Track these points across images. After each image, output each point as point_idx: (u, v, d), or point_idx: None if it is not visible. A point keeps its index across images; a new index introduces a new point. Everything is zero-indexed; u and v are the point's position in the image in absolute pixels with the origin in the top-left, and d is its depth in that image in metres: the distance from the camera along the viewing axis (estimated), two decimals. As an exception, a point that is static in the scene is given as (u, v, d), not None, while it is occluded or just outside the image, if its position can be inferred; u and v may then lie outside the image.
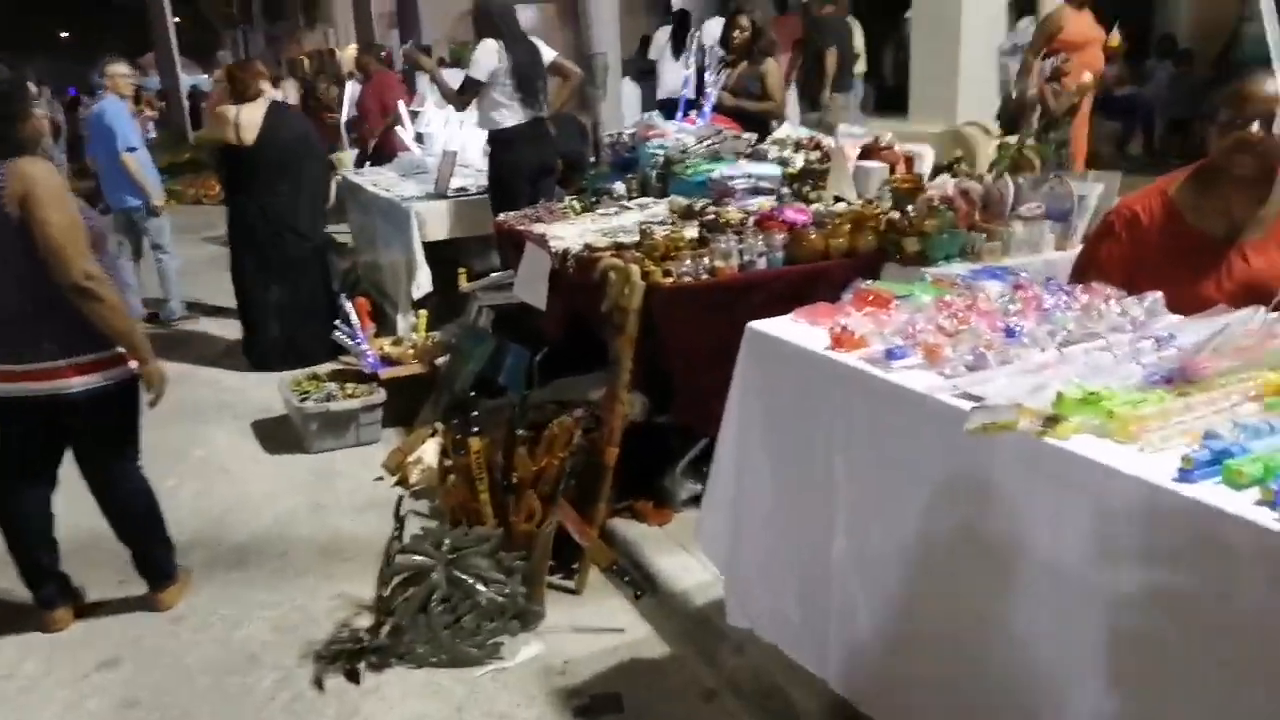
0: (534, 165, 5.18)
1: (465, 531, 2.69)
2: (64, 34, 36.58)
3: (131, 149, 6.19)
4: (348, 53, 29.32)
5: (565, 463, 2.80)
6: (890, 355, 1.95)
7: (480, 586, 2.60)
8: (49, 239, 2.47)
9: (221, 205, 5.79)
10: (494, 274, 4.80)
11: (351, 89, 8.89)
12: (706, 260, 2.91)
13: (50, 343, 2.59)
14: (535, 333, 4.37)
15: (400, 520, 2.73)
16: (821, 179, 3.93)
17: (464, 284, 4.75)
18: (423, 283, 5.37)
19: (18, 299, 2.55)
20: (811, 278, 3.00)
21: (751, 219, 3.45)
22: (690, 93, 5.15)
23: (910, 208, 3.14)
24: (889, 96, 11.23)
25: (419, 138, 7.49)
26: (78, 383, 2.62)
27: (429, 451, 3.88)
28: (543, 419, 3.93)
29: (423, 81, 7.60)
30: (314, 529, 3.49)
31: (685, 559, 2.88)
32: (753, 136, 4.75)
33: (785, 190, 3.94)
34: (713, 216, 3.32)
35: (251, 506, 3.70)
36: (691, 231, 3.44)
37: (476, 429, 2.86)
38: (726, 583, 2.50)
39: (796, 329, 2.27)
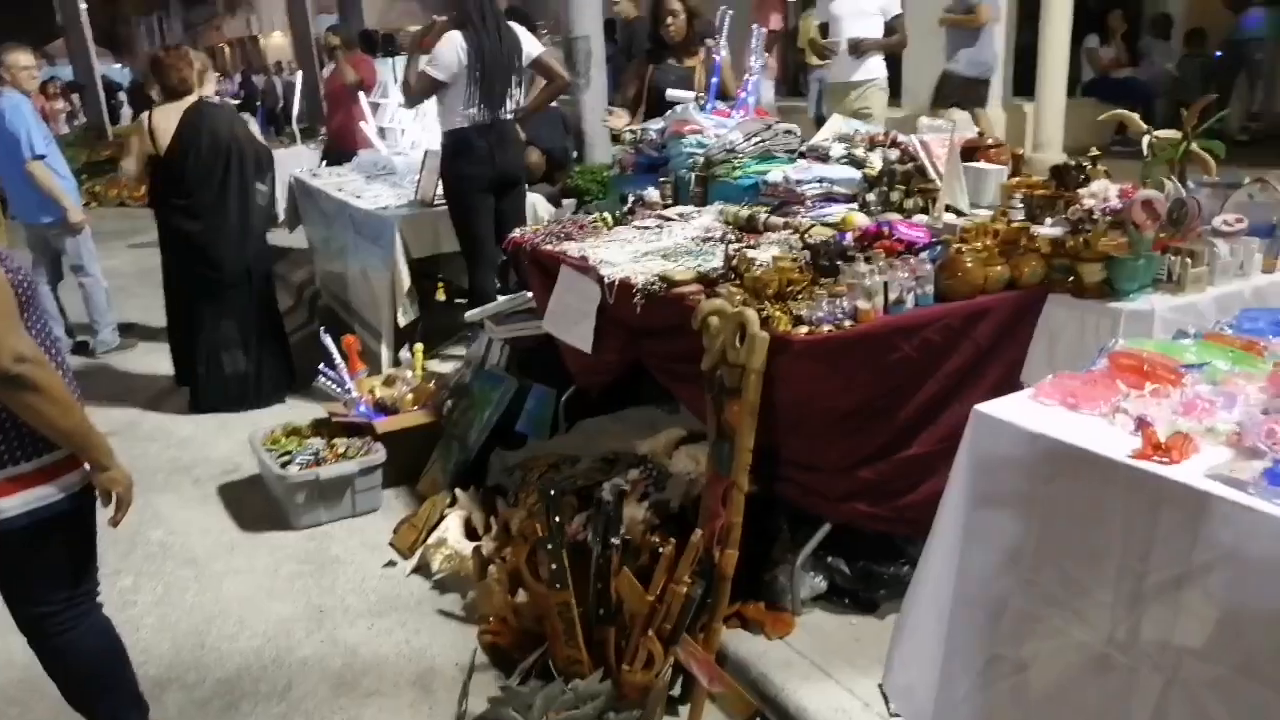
0: (492, 176, 4.39)
1: (562, 689, 1.98)
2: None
3: (40, 156, 5.24)
4: (273, 41, 27.87)
5: (693, 589, 2.10)
6: (1275, 478, 1.31)
7: (584, 764, 1.91)
8: None
9: (148, 207, 4.89)
10: (503, 298, 4.06)
11: (294, 79, 7.98)
12: (844, 301, 2.23)
13: (-36, 451, 1.82)
14: (557, 369, 3.68)
15: (469, 673, 2.00)
16: (911, 184, 3.29)
17: (463, 308, 4.01)
18: (409, 307, 4.60)
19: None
20: (971, 319, 2.35)
21: (849, 238, 2.80)
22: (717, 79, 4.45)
23: (1073, 223, 2.51)
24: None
25: (380, 133, 6.69)
26: (8, 505, 1.85)
27: (452, 530, 3.15)
28: (588, 482, 3.28)
29: (385, 69, 6.75)
30: (320, 648, 2.73)
31: (836, 693, 2.21)
32: (796, 130, 4.08)
33: (870, 197, 3.28)
34: (821, 239, 2.62)
35: (234, 616, 2.92)
36: (769, 254, 2.77)
37: (563, 546, 2.12)
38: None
39: (1050, 416, 1.61)
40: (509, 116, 4.40)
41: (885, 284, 2.28)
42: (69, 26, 14.79)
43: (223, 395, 4.62)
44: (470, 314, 4.00)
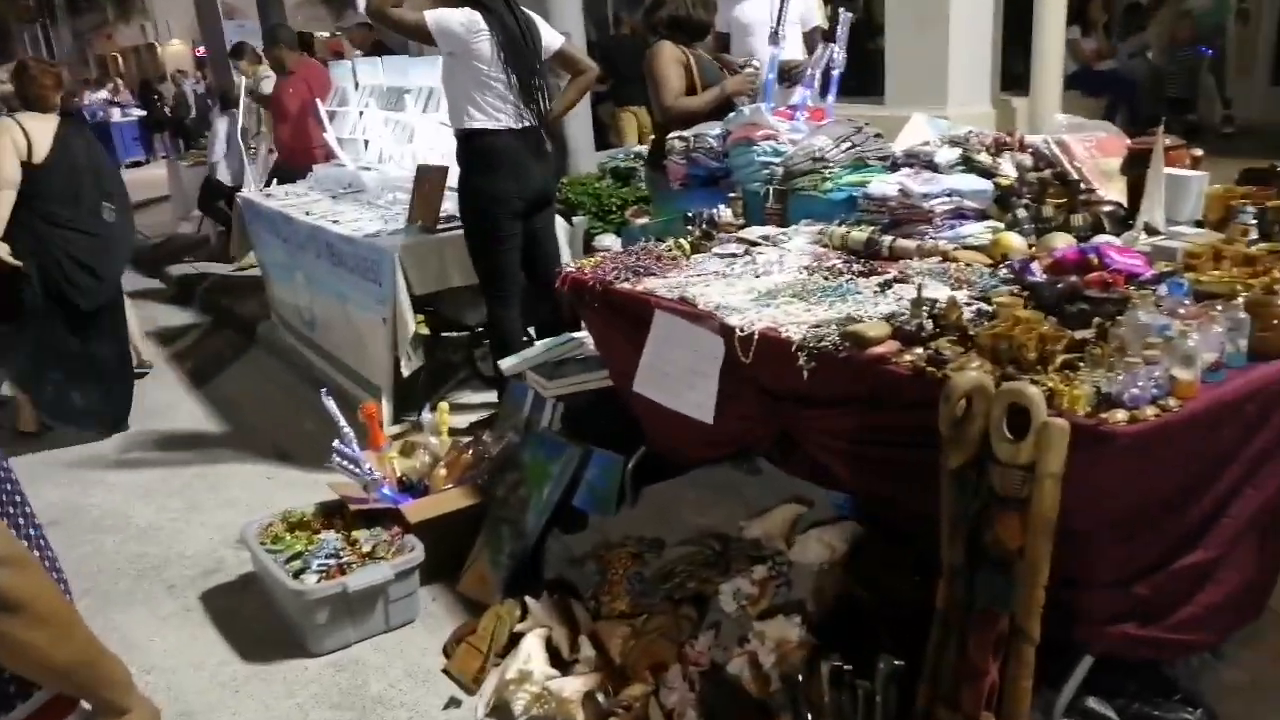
0: (528, 195, 3.67)
1: None
2: None
3: None
4: (171, 49, 26.42)
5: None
6: None
7: None
8: None
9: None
10: (541, 344, 3.38)
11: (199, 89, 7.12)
12: (1157, 370, 1.62)
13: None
14: (620, 430, 3.04)
15: None
16: (1074, 195, 2.74)
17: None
18: (413, 355, 3.86)
19: None
20: (1290, 386, 1.77)
21: (1036, 268, 2.22)
22: (773, 73, 3.80)
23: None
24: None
25: (338, 144, 5.89)
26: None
27: (535, 658, 2.44)
28: (697, 581, 2.63)
29: (341, 72, 5.95)
30: None
31: None
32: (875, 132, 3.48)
33: (1020, 213, 2.71)
34: (1072, 281, 2.00)
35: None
36: (953, 293, 2.17)
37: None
38: None
39: None
40: (534, 121, 3.67)
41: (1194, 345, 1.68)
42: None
43: (69, 417, 4.45)
44: (507, 365, 3.30)
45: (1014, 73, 8.15)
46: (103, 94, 18.08)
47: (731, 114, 3.49)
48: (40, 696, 1.16)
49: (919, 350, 1.91)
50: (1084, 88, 8.62)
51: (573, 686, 2.31)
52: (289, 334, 5.26)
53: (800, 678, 2.01)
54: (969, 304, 2.10)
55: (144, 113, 17.11)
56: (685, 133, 3.62)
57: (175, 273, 7.52)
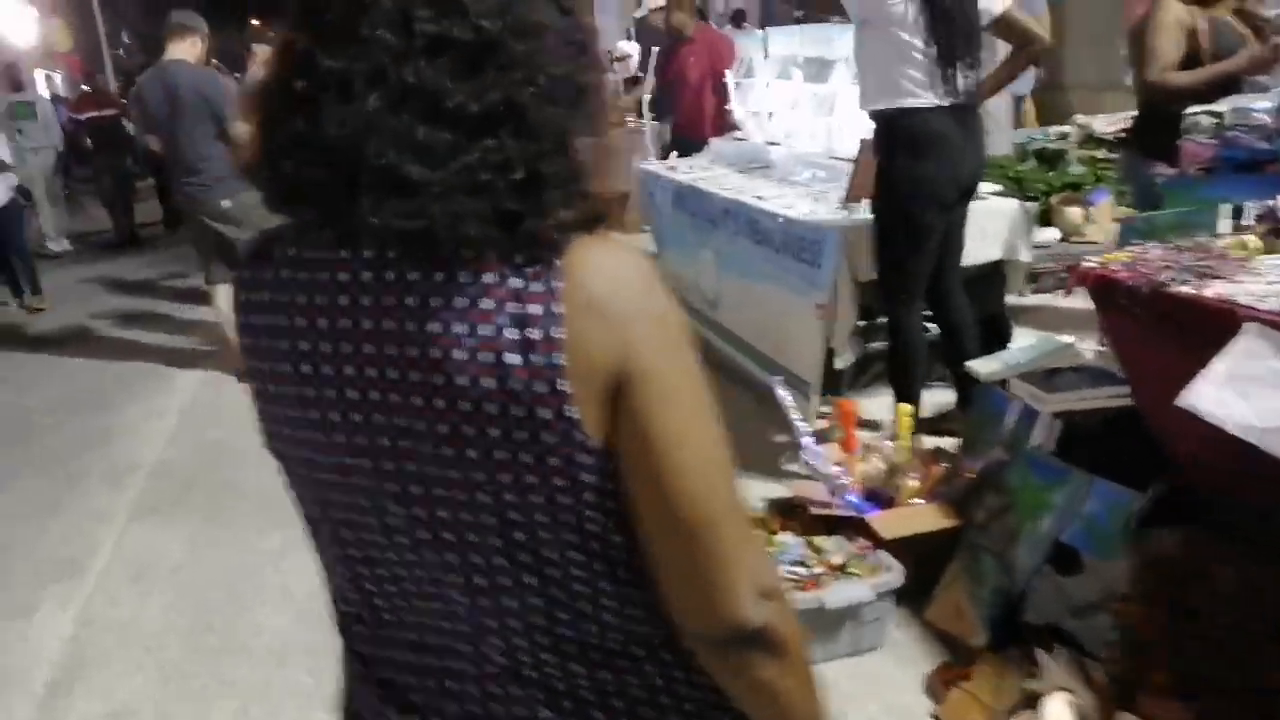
0: (963, 182, 3.21)
1: None
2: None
3: None
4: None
5: None
6: None
7: None
8: (688, 509, 0.77)
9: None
10: (1030, 346, 2.95)
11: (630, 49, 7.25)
12: None
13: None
14: (1134, 457, 2.55)
15: None
16: None
17: (986, 365, 2.87)
18: (851, 347, 3.57)
19: (506, 638, 0.86)
20: None
21: None
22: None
23: None
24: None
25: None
26: None
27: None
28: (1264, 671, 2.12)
29: (750, 41, 5.79)
30: None
31: None
32: None
33: None
34: None
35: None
36: None
37: None
38: None
39: None
40: (964, 97, 3.18)
41: None
42: None
43: None
44: (985, 369, 2.90)
45: None
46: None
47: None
48: None
49: None
50: None
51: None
52: (684, 311, 5.18)
53: None
54: None
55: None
56: (1217, 106, 3.00)
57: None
